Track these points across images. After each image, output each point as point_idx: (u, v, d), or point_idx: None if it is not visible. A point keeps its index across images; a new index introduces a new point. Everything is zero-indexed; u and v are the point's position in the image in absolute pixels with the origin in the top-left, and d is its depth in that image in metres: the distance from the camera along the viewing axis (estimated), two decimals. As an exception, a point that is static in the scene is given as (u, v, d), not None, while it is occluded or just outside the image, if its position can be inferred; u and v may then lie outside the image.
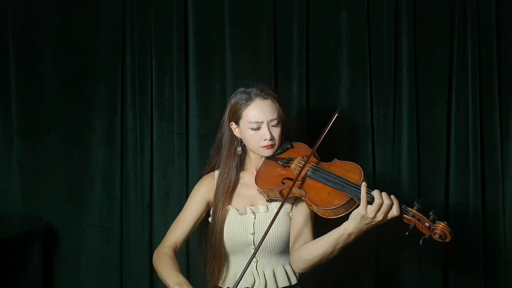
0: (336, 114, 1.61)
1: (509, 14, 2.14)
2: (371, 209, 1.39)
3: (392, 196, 1.41)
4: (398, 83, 2.13)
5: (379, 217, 1.39)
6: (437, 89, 2.14)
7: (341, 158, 1.64)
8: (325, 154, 1.68)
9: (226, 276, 1.71)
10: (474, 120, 2.11)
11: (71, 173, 2.17)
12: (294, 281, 1.69)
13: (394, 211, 1.39)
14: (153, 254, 1.70)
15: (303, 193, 1.54)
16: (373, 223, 1.41)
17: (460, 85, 2.13)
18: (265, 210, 1.67)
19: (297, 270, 1.64)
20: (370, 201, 1.40)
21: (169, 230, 1.74)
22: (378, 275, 2.14)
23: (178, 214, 1.78)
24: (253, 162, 1.74)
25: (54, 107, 2.16)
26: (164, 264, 1.61)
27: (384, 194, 1.40)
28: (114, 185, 2.16)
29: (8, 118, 2.16)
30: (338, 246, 1.47)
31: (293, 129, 1.85)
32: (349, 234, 1.43)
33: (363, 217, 1.40)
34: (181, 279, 1.53)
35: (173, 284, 1.51)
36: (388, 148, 2.14)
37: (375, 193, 1.40)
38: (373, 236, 2.06)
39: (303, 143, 1.74)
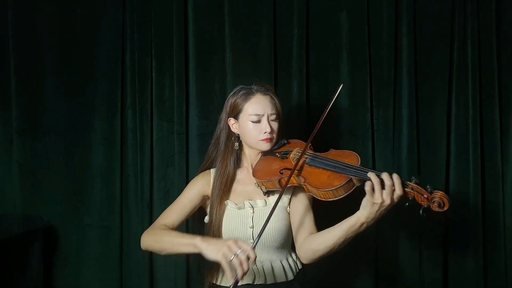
0: (340, 88, 1.62)
1: (509, 14, 2.14)
2: (377, 193, 1.38)
3: (394, 176, 1.39)
4: (398, 83, 2.13)
5: (387, 200, 1.38)
6: (437, 89, 2.14)
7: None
8: (324, 152, 1.68)
9: (224, 274, 1.70)
10: (474, 120, 2.11)
11: (71, 173, 2.17)
12: (290, 276, 1.70)
13: (398, 191, 1.38)
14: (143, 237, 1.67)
15: (302, 180, 1.56)
16: (383, 208, 1.40)
17: (460, 85, 2.13)
18: (263, 204, 1.69)
19: (306, 261, 1.62)
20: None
21: (161, 216, 1.71)
22: (378, 271, 2.14)
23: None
24: (249, 159, 1.76)
25: (54, 107, 2.16)
26: (167, 232, 1.59)
27: (384, 174, 1.40)
28: (114, 185, 2.16)
29: (8, 118, 2.16)
30: (349, 236, 1.47)
31: (292, 128, 1.85)
32: (362, 223, 1.43)
33: (372, 203, 1.39)
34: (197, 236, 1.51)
35: (192, 238, 1.50)
36: (388, 148, 2.14)
37: (375, 175, 1.40)
38: (372, 231, 2.06)
39: (301, 140, 1.75)
